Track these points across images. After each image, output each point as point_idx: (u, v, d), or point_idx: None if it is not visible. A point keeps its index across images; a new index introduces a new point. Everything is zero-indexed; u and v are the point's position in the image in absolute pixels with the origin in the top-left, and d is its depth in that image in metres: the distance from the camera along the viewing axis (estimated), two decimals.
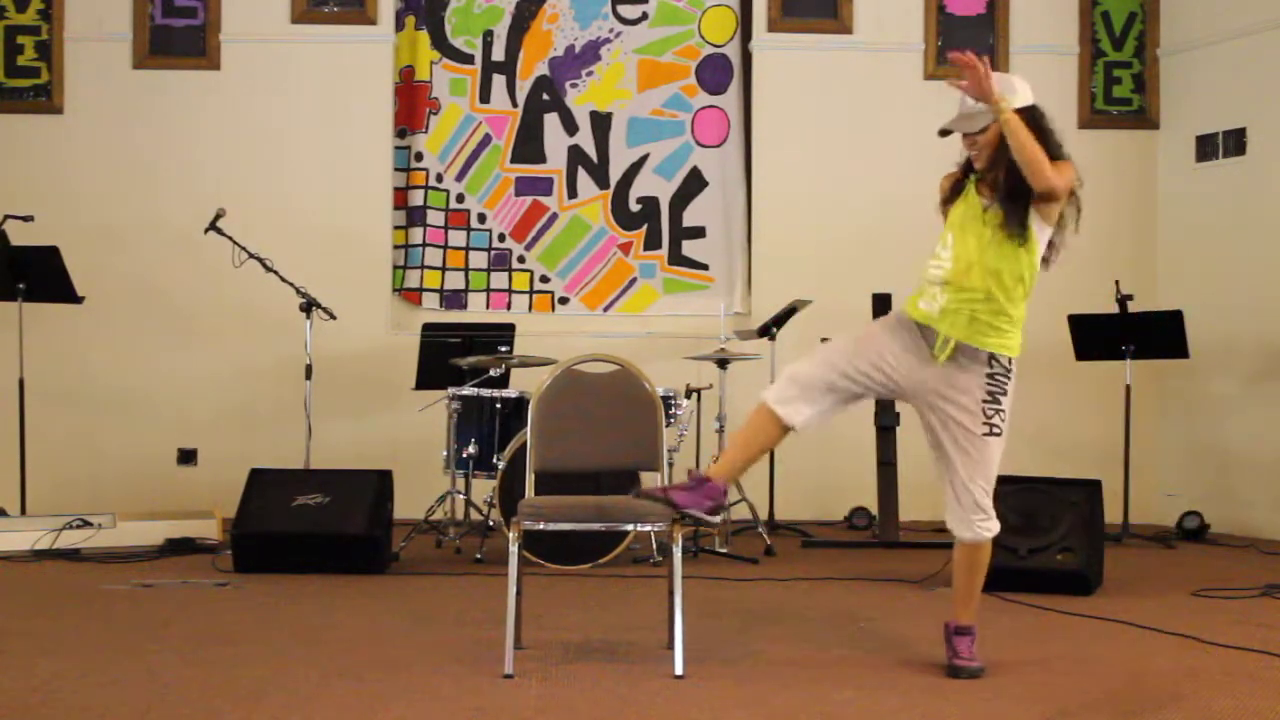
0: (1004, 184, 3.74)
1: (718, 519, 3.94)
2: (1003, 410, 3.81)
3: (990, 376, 3.80)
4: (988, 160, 3.79)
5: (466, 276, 8.11)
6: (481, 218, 8.13)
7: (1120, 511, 6.93)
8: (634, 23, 8.14)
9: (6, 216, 6.73)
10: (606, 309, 8.11)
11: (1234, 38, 7.58)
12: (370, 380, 7.73)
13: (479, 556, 5.92)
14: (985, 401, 3.80)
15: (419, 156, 8.07)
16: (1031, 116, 3.74)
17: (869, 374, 3.83)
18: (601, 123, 8.12)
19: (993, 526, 3.86)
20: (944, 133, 3.83)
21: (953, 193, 3.90)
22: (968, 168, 3.90)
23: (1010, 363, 3.83)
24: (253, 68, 7.85)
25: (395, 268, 8.04)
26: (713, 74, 8.17)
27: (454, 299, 8.08)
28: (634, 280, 8.12)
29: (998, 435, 3.81)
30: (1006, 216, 3.73)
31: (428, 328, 7.12)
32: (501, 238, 8.12)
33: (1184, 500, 7.48)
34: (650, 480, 5.17)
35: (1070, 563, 5.23)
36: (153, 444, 7.67)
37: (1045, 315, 6.86)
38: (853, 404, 3.92)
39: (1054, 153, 3.74)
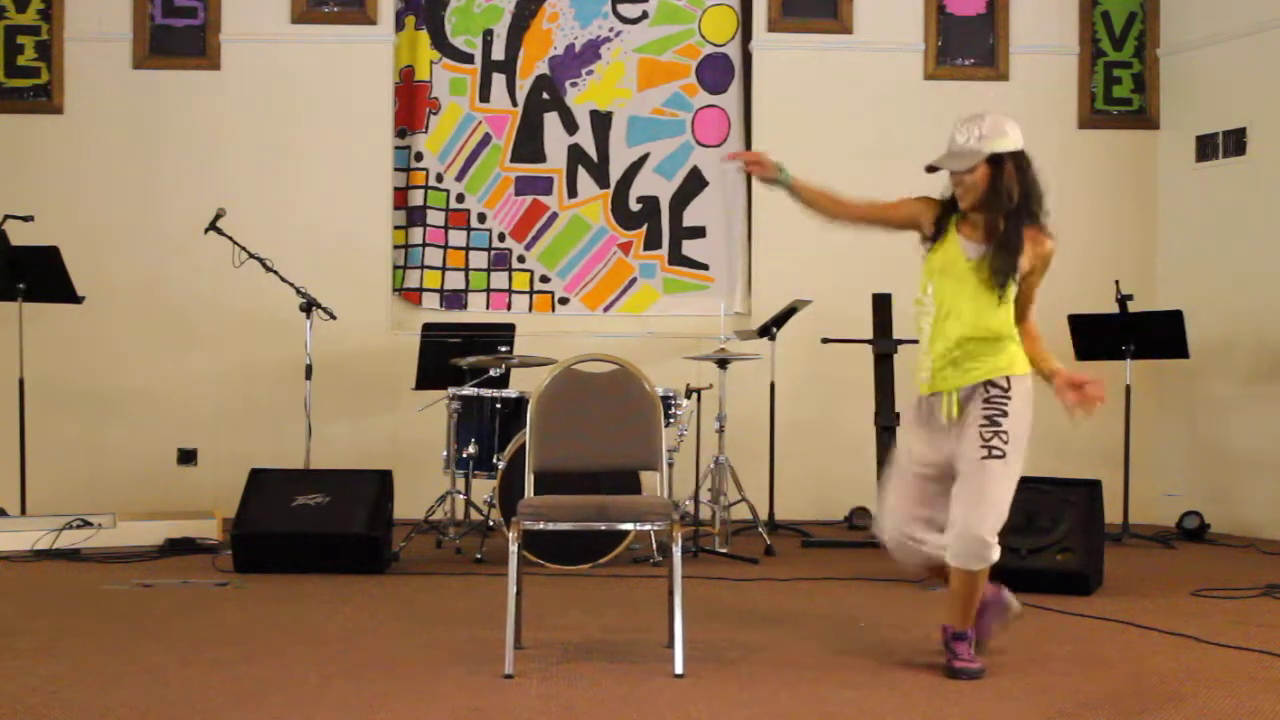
0: (1001, 233, 3.76)
1: (1013, 604, 4.05)
2: (1002, 431, 3.74)
3: (987, 401, 3.78)
4: (972, 202, 3.80)
5: (466, 276, 8.11)
6: (481, 217, 8.13)
7: (1120, 511, 6.93)
8: (634, 22, 8.14)
9: (6, 216, 6.73)
10: (606, 309, 8.11)
11: (1234, 38, 7.58)
12: (370, 380, 7.73)
13: (479, 556, 5.92)
14: (982, 425, 3.76)
15: (419, 156, 8.07)
16: (1018, 165, 3.77)
17: (928, 482, 3.89)
18: (601, 122, 8.12)
19: (990, 556, 3.78)
20: (931, 169, 3.84)
21: (935, 232, 3.90)
22: (950, 205, 3.90)
23: (1009, 382, 3.80)
24: (253, 68, 7.85)
25: (395, 268, 8.04)
26: (713, 73, 8.17)
27: (454, 299, 8.08)
28: (634, 280, 8.12)
29: (999, 458, 3.73)
30: (1000, 269, 3.75)
31: (428, 328, 7.12)
32: (501, 237, 8.12)
33: (1184, 500, 7.48)
34: (650, 480, 5.17)
35: (1070, 563, 5.23)
36: (153, 444, 7.67)
37: (1045, 315, 6.83)
38: (942, 498, 3.92)
39: (1034, 211, 3.78)
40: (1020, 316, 3.89)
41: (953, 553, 3.81)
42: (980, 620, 3.99)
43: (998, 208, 3.75)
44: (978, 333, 3.78)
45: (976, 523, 3.73)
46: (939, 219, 3.90)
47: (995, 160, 3.76)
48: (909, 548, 3.93)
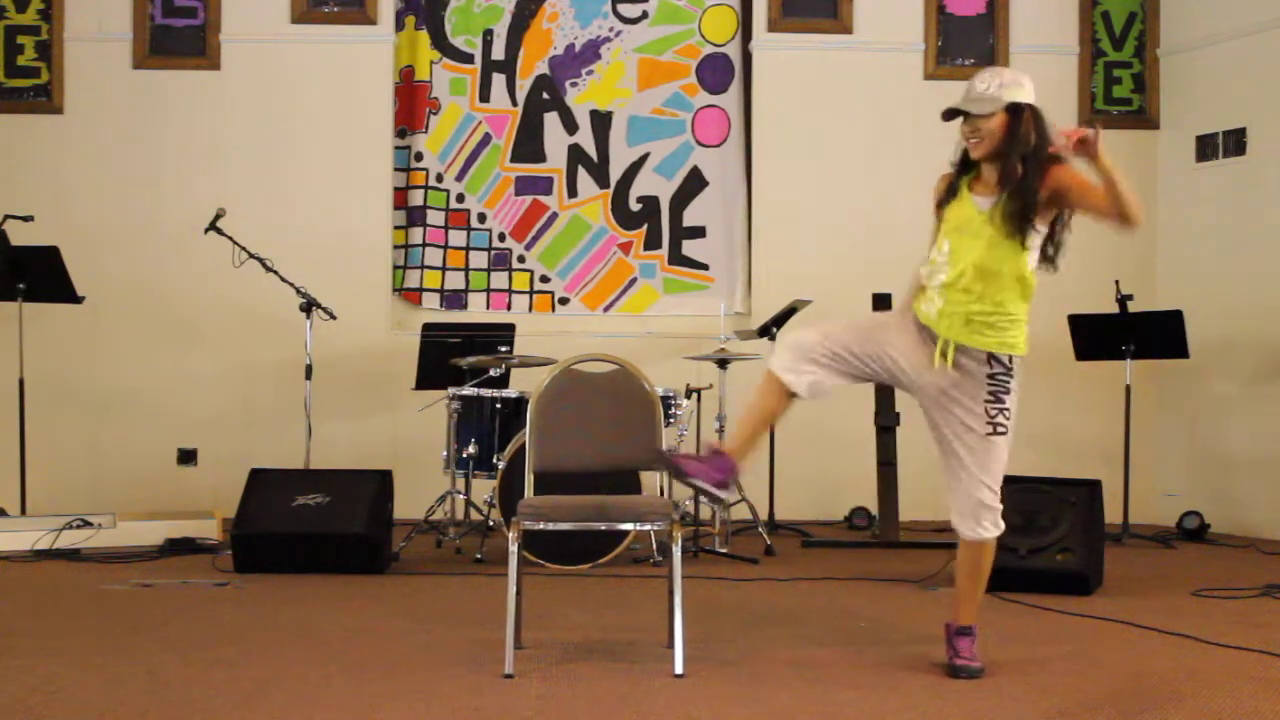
0: (1018, 179, 3.71)
1: (725, 494, 3.88)
2: (1006, 409, 3.80)
3: (991, 377, 3.80)
4: (987, 150, 3.77)
5: (466, 276, 8.11)
6: (481, 217, 8.13)
7: (1120, 511, 6.93)
8: (634, 21, 8.14)
9: (6, 216, 6.74)
10: (606, 309, 8.11)
11: (1234, 38, 7.58)
12: (370, 380, 7.73)
13: (479, 556, 5.92)
14: (988, 401, 3.79)
15: (419, 156, 8.07)
16: (1035, 115, 3.75)
17: (874, 361, 3.83)
18: (601, 122, 8.12)
19: (998, 526, 3.85)
20: (949, 114, 3.78)
21: (947, 194, 3.89)
22: (961, 167, 3.88)
23: (1011, 361, 3.81)
24: (253, 68, 7.85)
25: (395, 268, 8.04)
26: (713, 73, 8.18)
27: (454, 299, 8.08)
28: (634, 280, 8.12)
29: (1003, 434, 3.80)
30: (1016, 212, 3.70)
31: (428, 328, 7.12)
32: (501, 237, 8.12)
33: (1184, 500, 7.48)
34: (650, 480, 5.18)
35: (1070, 563, 5.22)
36: (153, 444, 7.67)
37: (1045, 315, 6.86)
38: (855, 382, 3.90)
39: (1050, 157, 3.75)
40: (1110, 212, 3.71)
41: (963, 525, 3.84)
42: (704, 464, 3.79)
43: (1013, 154, 3.72)
44: (999, 281, 3.73)
45: (987, 493, 3.81)
46: (951, 183, 3.88)
47: (1013, 110, 3.74)
48: (804, 362, 3.77)
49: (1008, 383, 3.81)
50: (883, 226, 7.71)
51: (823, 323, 3.91)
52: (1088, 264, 7.42)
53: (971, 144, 3.80)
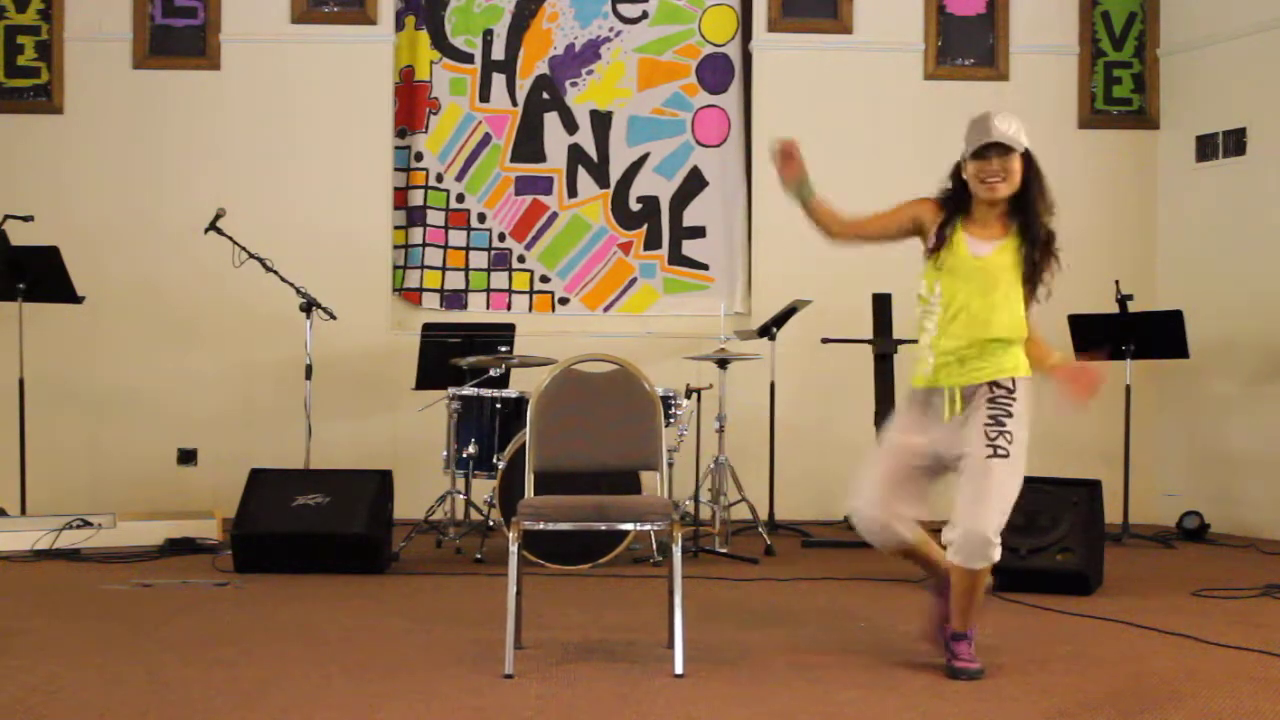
0: (1034, 232, 3.76)
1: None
2: (1007, 431, 3.74)
3: (992, 401, 3.77)
4: (1009, 191, 3.76)
5: (466, 276, 8.11)
6: (481, 217, 8.13)
7: (1120, 511, 6.93)
8: (634, 21, 8.14)
9: (6, 216, 6.74)
10: (606, 309, 8.11)
11: (1234, 38, 7.58)
12: (370, 380, 7.73)
13: (479, 556, 5.92)
14: (987, 424, 3.75)
15: (419, 156, 8.07)
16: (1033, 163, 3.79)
17: (913, 472, 3.89)
18: (601, 122, 8.12)
19: (993, 555, 3.76)
20: (985, 148, 3.73)
21: (938, 239, 3.85)
22: (950, 203, 3.86)
23: (1014, 383, 3.79)
24: (253, 68, 7.85)
25: (395, 268, 8.04)
26: (713, 73, 8.17)
27: (454, 299, 8.08)
28: (634, 280, 8.12)
29: (1003, 457, 3.72)
30: (1034, 258, 3.77)
31: (428, 328, 7.13)
32: (501, 237, 8.12)
33: (1184, 500, 7.48)
34: (650, 480, 5.17)
35: (1070, 563, 5.23)
36: (153, 444, 7.67)
37: (1045, 315, 6.85)
38: (924, 487, 3.96)
39: (1050, 197, 3.79)
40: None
41: (955, 550, 3.80)
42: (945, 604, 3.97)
43: (1029, 202, 3.76)
44: (990, 332, 3.76)
45: (981, 522, 3.72)
46: (941, 219, 3.87)
47: (1026, 155, 3.78)
48: (882, 532, 3.91)
49: (1009, 405, 3.76)
50: None
51: (865, 489, 3.94)
52: (1088, 264, 7.44)
53: (993, 183, 3.76)
